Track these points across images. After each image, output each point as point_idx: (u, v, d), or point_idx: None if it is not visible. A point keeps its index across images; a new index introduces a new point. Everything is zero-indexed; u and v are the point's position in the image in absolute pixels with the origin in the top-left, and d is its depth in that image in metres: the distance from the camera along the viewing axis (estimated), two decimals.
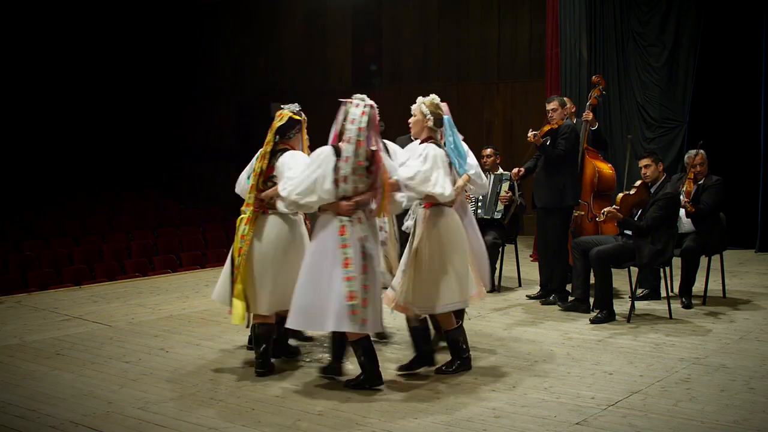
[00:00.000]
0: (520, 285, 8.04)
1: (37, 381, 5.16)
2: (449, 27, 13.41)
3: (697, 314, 6.75)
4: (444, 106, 5.33)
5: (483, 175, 5.55)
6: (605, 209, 6.52)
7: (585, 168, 7.57)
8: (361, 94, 5.10)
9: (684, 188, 7.07)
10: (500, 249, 7.88)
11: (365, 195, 4.87)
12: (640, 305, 6.92)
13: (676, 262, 7.06)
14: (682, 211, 6.90)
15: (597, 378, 5.10)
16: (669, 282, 6.87)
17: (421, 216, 5.16)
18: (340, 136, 4.87)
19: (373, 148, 4.85)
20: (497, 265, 7.85)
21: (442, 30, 13.52)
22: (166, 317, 7.01)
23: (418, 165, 5.03)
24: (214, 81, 16.56)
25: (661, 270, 6.79)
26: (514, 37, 12.70)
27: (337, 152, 4.81)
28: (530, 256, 9.66)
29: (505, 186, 7.78)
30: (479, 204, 7.81)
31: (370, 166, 4.86)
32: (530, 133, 7.14)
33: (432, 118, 5.18)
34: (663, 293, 6.96)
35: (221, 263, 5.96)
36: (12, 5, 15.39)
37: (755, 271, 8.69)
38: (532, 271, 8.27)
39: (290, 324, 4.95)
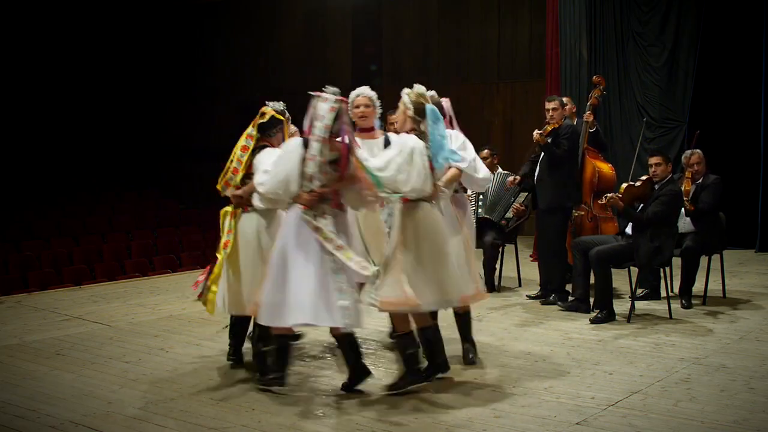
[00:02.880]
0: (520, 285, 8.04)
1: (37, 381, 5.16)
2: (449, 27, 13.40)
3: (697, 314, 6.75)
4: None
5: (481, 169, 5.32)
6: (607, 194, 6.51)
7: (585, 168, 7.57)
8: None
9: (682, 188, 7.07)
10: (500, 249, 7.89)
11: (328, 188, 4.72)
12: (640, 305, 6.91)
13: (676, 262, 7.06)
14: (682, 210, 6.90)
15: (597, 378, 5.09)
16: (669, 282, 6.86)
17: (397, 211, 4.88)
18: (310, 131, 4.76)
19: (341, 140, 4.71)
20: (497, 265, 7.85)
21: (442, 30, 13.52)
22: (166, 317, 7.01)
23: (389, 155, 4.75)
24: (214, 81, 16.56)
25: (661, 270, 6.79)
26: (514, 37, 12.70)
27: (306, 145, 4.71)
28: (530, 256, 9.66)
29: (522, 197, 7.76)
30: (479, 203, 7.81)
31: (337, 160, 4.72)
32: (535, 133, 7.13)
33: (412, 107, 4.89)
34: (663, 293, 6.95)
35: None
36: (12, 5, 15.38)
37: (755, 271, 8.69)
38: (532, 271, 8.26)
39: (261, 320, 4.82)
